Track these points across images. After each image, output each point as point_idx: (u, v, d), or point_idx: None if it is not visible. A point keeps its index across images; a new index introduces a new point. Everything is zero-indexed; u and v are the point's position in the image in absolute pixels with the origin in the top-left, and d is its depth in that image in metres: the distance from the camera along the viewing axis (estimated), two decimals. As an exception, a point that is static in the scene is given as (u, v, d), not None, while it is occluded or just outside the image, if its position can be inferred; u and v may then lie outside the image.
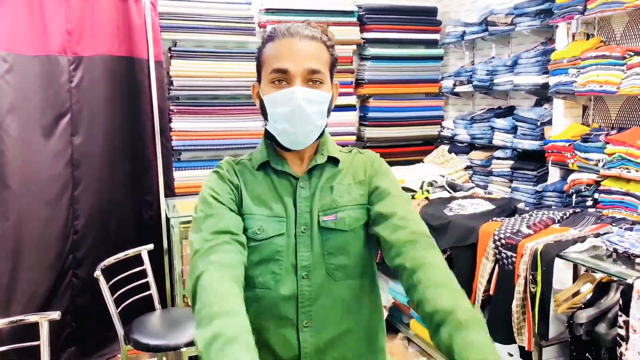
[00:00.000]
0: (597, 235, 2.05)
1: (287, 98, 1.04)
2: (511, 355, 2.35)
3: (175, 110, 3.24)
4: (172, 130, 3.22)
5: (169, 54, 3.23)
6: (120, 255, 2.47)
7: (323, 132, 1.16)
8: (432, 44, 3.88)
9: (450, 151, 3.72)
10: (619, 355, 1.65)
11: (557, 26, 2.91)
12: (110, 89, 2.96)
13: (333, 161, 1.16)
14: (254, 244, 1.07)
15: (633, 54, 2.51)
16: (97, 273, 2.27)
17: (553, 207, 2.80)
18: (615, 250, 1.90)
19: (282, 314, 1.06)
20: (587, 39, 2.89)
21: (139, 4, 2.99)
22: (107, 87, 2.94)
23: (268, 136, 1.15)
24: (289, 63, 1.04)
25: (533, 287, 2.02)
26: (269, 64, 1.07)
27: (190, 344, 2.21)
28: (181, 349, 2.19)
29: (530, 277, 2.03)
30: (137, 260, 2.54)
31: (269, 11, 3.43)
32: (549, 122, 3.03)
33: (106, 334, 2.98)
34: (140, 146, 3.08)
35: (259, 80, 1.13)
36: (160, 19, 3.12)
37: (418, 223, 1.07)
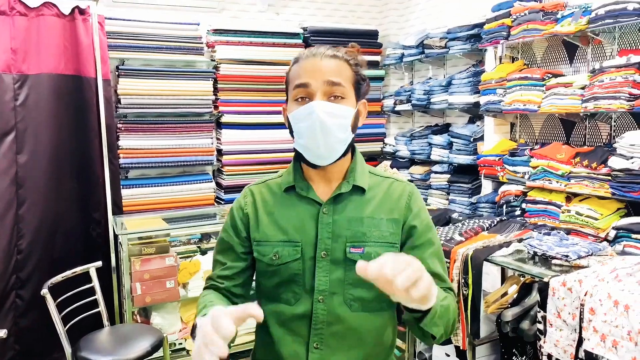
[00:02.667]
0: (520, 241, 2.26)
1: (308, 112, 1.07)
2: (448, 355, 2.51)
3: (122, 128, 3.26)
4: (120, 147, 3.24)
5: (117, 73, 3.26)
6: (68, 273, 2.46)
7: (354, 154, 1.19)
8: (374, 65, 4.09)
9: (392, 166, 3.91)
10: (538, 348, 1.83)
11: (485, 50, 3.16)
12: (57, 107, 2.95)
13: (360, 190, 1.16)
14: (273, 269, 1.13)
15: (551, 76, 2.78)
16: (44, 291, 2.25)
17: (484, 216, 3.01)
18: (535, 253, 2.10)
19: (297, 330, 1.12)
20: (513, 61, 3.16)
21: (86, 23, 3.02)
22: (54, 105, 2.94)
23: (297, 156, 1.18)
24: (309, 78, 1.08)
25: (465, 290, 2.19)
26: (292, 82, 1.11)
27: (140, 359, 2.23)
28: (131, 365, 2.20)
29: (463, 280, 2.20)
30: (85, 278, 2.54)
31: (217, 31, 3.53)
32: (481, 138, 3.26)
33: (52, 354, 2.92)
34: (88, 164, 3.08)
35: (287, 102, 1.17)
36: (108, 38, 3.15)
37: (443, 277, 1.15)
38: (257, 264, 1.18)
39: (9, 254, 2.84)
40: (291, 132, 1.15)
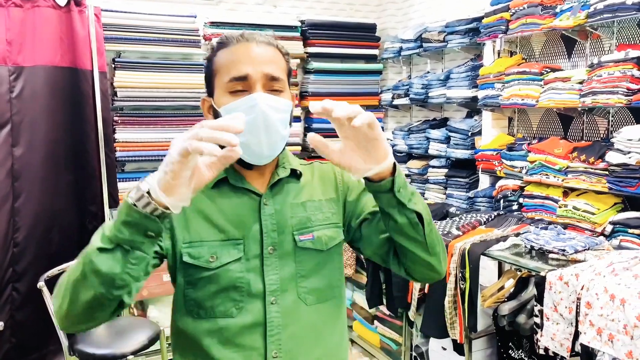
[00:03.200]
0: (518, 235, 2.26)
1: (249, 105, 0.94)
2: (445, 348, 2.52)
3: (119, 121, 3.25)
4: (116, 141, 3.22)
5: (113, 65, 3.24)
6: (64, 266, 2.45)
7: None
8: (372, 59, 4.08)
9: (390, 160, 3.91)
10: (535, 341, 1.84)
11: (484, 44, 3.15)
12: (53, 100, 2.93)
13: (295, 175, 1.08)
14: (209, 274, 0.97)
15: (549, 70, 2.77)
16: (41, 284, 2.25)
17: (481, 210, 3.02)
18: (532, 247, 2.10)
19: (248, 345, 0.97)
20: (511, 56, 3.15)
21: (82, 15, 2.99)
22: (50, 98, 2.92)
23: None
24: (248, 68, 0.97)
25: (462, 284, 2.19)
26: (225, 71, 0.98)
27: (137, 352, 2.23)
28: (127, 357, 2.20)
29: (460, 274, 2.20)
30: (81, 271, 2.53)
31: (214, 24, 3.51)
32: (479, 133, 3.26)
33: (48, 347, 2.92)
34: (84, 157, 3.06)
35: (210, 94, 1.04)
36: (104, 30, 3.13)
37: None
38: (182, 273, 1.00)
39: (5, 247, 2.83)
40: None
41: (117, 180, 3.23)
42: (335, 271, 1.07)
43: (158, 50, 3.35)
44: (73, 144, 3.02)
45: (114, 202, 3.18)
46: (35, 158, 2.88)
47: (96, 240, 0.83)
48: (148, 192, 0.79)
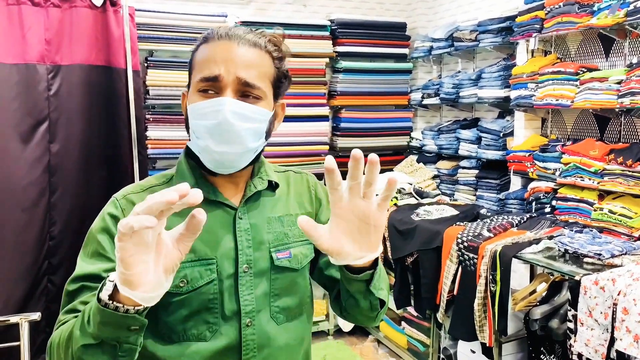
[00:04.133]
0: (551, 238, 2.21)
1: (214, 109, 0.87)
2: (474, 351, 2.49)
3: (150, 119, 3.31)
4: (148, 138, 3.28)
5: (146, 64, 3.30)
6: (97, 260, 2.51)
7: (259, 155, 0.99)
8: (402, 58, 4.05)
9: (418, 161, 3.88)
10: (568, 347, 1.79)
11: (517, 43, 3.10)
12: (88, 98, 3.00)
13: (271, 186, 1.01)
14: (179, 298, 0.90)
15: (586, 70, 2.70)
16: (75, 277, 2.30)
17: (513, 212, 2.96)
18: (566, 250, 2.05)
19: None
20: (545, 55, 3.09)
21: (117, 15, 3.06)
22: (85, 96, 2.99)
23: (191, 156, 0.96)
24: (220, 69, 0.88)
25: (493, 287, 2.16)
26: (199, 69, 0.91)
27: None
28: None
29: (490, 277, 2.17)
30: (114, 265, 2.59)
31: (244, 23, 3.54)
32: (511, 134, 3.21)
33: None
34: (117, 153, 3.13)
35: (188, 86, 0.97)
36: (137, 30, 3.19)
37: None
38: None
39: (42, 241, 2.91)
40: (187, 128, 0.95)
41: (149, 177, 3.28)
42: (306, 289, 1.02)
43: (189, 50, 3.38)
44: (107, 141, 3.09)
45: (146, 198, 3.24)
46: (71, 154, 2.96)
47: (79, 334, 0.75)
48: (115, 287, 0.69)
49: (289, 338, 0.98)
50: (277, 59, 0.96)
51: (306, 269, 1.02)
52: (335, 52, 3.81)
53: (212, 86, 0.89)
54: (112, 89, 3.08)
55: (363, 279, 0.86)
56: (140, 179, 3.16)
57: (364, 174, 0.72)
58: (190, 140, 0.95)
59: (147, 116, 3.29)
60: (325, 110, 3.81)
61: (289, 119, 3.64)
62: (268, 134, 0.96)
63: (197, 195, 0.63)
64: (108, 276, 0.71)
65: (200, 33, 3.37)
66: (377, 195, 0.74)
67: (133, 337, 0.74)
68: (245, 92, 0.90)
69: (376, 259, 0.84)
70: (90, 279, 0.89)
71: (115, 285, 0.68)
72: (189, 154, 0.97)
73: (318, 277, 1.07)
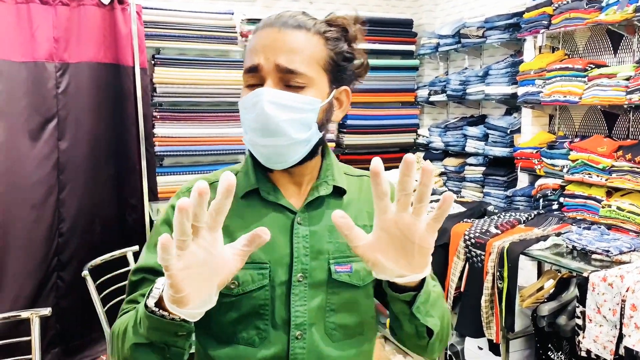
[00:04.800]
0: (559, 234, 2.21)
1: (253, 101, 0.82)
2: (481, 348, 2.49)
3: (158, 117, 3.32)
4: (155, 136, 3.30)
5: (153, 62, 3.31)
6: (107, 256, 2.53)
7: (325, 150, 0.94)
8: (408, 54, 4.04)
9: (425, 158, 3.87)
10: (577, 343, 1.79)
11: (524, 39, 3.08)
12: (96, 95, 3.02)
13: (338, 191, 0.93)
14: (229, 300, 0.86)
15: (594, 66, 2.69)
16: (85, 273, 2.32)
17: (521, 209, 2.96)
18: (574, 247, 2.05)
19: None
20: (553, 51, 3.07)
21: (125, 13, 3.07)
22: (93, 93, 3.01)
23: (252, 153, 0.92)
24: (260, 58, 0.83)
25: (500, 283, 2.16)
26: (245, 62, 0.87)
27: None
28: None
29: (498, 273, 2.17)
30: (122, 262, 2.60)
31: (251, 21, 3.54)
32: (518, 130, 3.19)
33: (90, 335, 3.02)
34: (125, 151, 3.15)
35: None
36: (145, 27, 3.20)
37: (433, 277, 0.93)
38: None
39: (51, 237, 2.93)
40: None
41: (156, 174, 3.31)
42: (368, 308, 0.93)
43: (196, 47, 3.41)
44: (115, 138, 3.11)
45: (153, 195, 3.26)
46: (79, 151, 2.98)
47: (131, 332, 0.76)
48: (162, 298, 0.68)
49: (345, 358, 0.89)
50: (332, 40, 0.86)
51: (370, 286, 0.92)
52: (342, 49, 3.81)
53: (255, 78, 0.84)
54: (120, 86, 3.10)
55: (404, 299, 0.79)
56: (147, 177, 3.18)
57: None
58: (244, 136, 0.91)
59: (155, 114, 3.31)
60: (331, 108, 3.81)
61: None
62: (322, 124, 0.87)
63: (229, 179, 0.60)
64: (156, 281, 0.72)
65: (206, 30, 3.39)
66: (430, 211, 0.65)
67: (180, 342, 0.74)
68: (287, 80, 0.82)
69: (423, 281, 0.77)
70: (149, 271, 0.88)
71: (162, 293, 0.68)
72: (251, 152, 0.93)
73: (376, 293, 0.96)
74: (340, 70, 0.88)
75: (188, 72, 3.37)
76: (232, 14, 3.50)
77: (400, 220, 0.66)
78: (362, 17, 0.93)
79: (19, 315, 1.81)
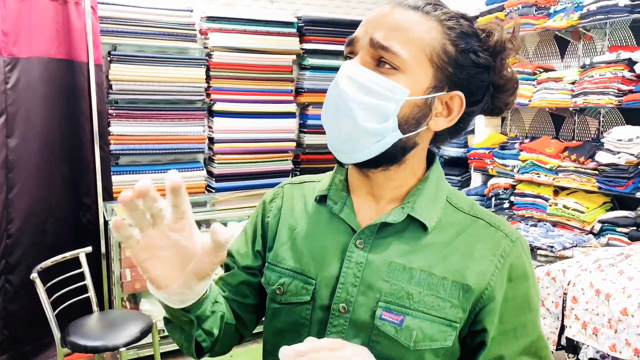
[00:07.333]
0: (508, 232, 2.29)
1: (336, 75, 0.72)
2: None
3: (114, 114, 3.25)
4: (111, 134, 3.23)
5: (109, 58, 3.24)
6: (58, 258, 2.46)
7: (430, 167, 0.78)
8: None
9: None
10: None
11: (478, 43, 3.18)
12: (48, 91, 2.93)
13: (420, 225, 0.74)
14: (275, 306, 0.79)
15: (542, 70, 2.81)
16: (34, 275, 2.25)
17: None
18: (521, 244, 2.13)
19: None
20: (505, 56, 3.18)
21: (79, 7, 2.99)
22: (45, 89, 2.92)
23: None
24: (360, 31, 0.73)
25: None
26: None
27: (129, 344, 2.24)
28: (120, 350, 2.21)
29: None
30: (75, 263, 2.54)
31: (210, 18, 3.51)
32: (472, 131, 3.29)
33: (41, 339, 2.93)
34: (79, 149, 3.07)
35: None
36: (100, 23, 3.13)
37: None
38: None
39: (-2, 238, 2.83)
40: None
41: (112, 173, 3.24)
42: None
43: (154, 44, 3.35)
44: (68, 136, 3.03)
45: (108, 195, 3.19)
46: (29, 149, 2.88)
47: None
48: None
49: None
50: (456, 33, 0.71)
51: (428, 354, 0.71)
52: (302, 49, 3.83)
53: (351, 50, 0.74)
54: (74, 83, 3.02)
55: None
56: (102, 175, 3.11)
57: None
58: None
59: (110, 111, 3.24)
60: (292, 107, 3.82)
61: (254, 115, 3.64)
62: (407, 123, 0.71)
63: (172, 177, 0.58)
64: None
65: (165, 27, 3.34)
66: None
67: (187, 327, 0.75)
68: (379, 56, 0.70)
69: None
70: (229, 255, 0.89)
71: None
72: None
73: None
74: (459, 71, 0.71)
75: (146, 69, 3.31)
76: (191, 11, 3.46)
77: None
78: (518, 34, 0.76)
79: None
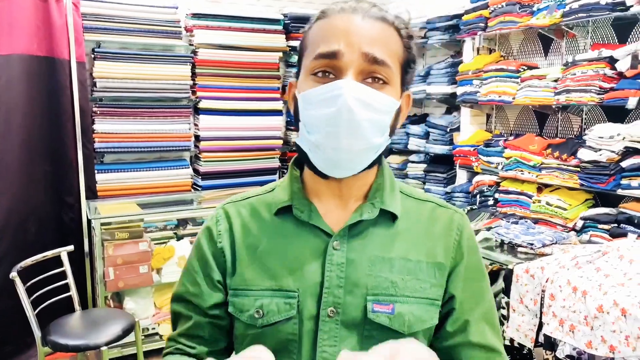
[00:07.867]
0: (489, 229, 2.30)
1: (332, 94, 0.69)
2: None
3: (98, 112, 3.22)
4: (95, 132, 3.20)
5: (93, 56, 3.21)
6: (38, 257, 2.44)
7: (380, 165, 0.81)
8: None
9: (371, 155, 3.93)
10: (501, 333, 1.87)
11: (464, 41, 3.18)
12: (29, 89, 2.90)
13: (389, 217, 0.79)
14: (254, 332, 0.76)
15: (526, 68, 2.81)
16: (13, 274, 2.23)
17: (457, 204, 3.06)
18: (502, 241, 2.14)
19: None
20: (490, 53, 3.18)
21: (60, 4, 2.96)
22: (26, 87, 2.89)
23: (297, 161, 0.82)
24: (340, 44, 0.70)
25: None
26: (314, 47, 0.73)
27: (111, 343, 2.23)
28: (101, 348, 2.20)
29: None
30: (58, 262, 2.52)
31: (196, 15, 3.49)
32: (458, 129, 3.30)
33: (23, 339, 2.90)
34: (61, 147, 3.04)
35: (297, 77, 0.79)
36: (83, 20, 3.10)
37: (497, 349, 0.79)
38: (234, 323, 0.80)
39: (-21, 238, 2.80)
40: (297, 121, 0.77)
41: (95, 171, 3.21)
42: None
43: (139, 41, 3.33)
44: (49, 134, 3.00)
45: (92, 193, 3.16)
46: (10, 147, 2.85)
47: None
48: None
49: None
50: (406, 38, 0.77)
51: (420, 335, 0.76)
52: (289, 46, 3.81)
53: (329, 66, 0.71)
54: (55, 80, 2.99)
55: None
56: (85, 174, 3.08)
57: None
58: (298, 137, 0.76)
59: (94, 109, 3.21)
60: (279, 105, 3.81)
61: (239, 113, 3.63)
62: (392, 130, 0.76)
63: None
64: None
65: (149, 24, 3.32)
66: None
67: None
68: (372, 72, 0.71)
69: None
70: (183, 300, 0.85)
71: None
72: (297, 160, 0.82)
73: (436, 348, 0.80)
74: (407, 72, 0.77)
75: (130, 67, 3.28)
76: (177, 7, 3.44)
77: None
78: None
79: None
